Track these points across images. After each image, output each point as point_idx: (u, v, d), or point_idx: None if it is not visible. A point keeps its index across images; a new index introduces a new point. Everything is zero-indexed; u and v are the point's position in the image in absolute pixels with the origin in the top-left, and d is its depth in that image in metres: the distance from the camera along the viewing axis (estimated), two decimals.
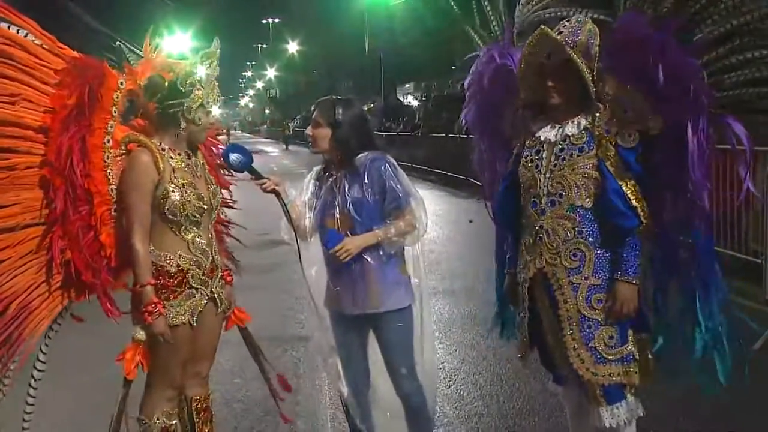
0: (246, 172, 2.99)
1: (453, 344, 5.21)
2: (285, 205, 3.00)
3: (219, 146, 3.20)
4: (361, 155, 2.95)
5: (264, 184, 2.99)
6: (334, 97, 3.08)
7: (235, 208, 3.37)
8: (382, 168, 2.92)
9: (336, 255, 2.87)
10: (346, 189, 2.94)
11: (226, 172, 3.18)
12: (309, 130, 3.04)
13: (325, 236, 2.94)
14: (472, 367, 4.73)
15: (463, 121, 3.26)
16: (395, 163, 2.99)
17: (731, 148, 2.56)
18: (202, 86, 2.70)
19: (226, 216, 3.30)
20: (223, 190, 3.10)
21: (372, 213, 2.92)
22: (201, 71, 2.71)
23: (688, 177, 2.52)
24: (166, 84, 2.71)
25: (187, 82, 2.68)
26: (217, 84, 2.77)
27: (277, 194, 3.00)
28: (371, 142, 3.06)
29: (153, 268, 2.68)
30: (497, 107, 3.06)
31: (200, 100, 2.70)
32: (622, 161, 2.61)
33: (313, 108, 3.08)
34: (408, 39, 30.81)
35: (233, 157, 2.93)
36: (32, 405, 2.81)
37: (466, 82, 3.21)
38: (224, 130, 3.66)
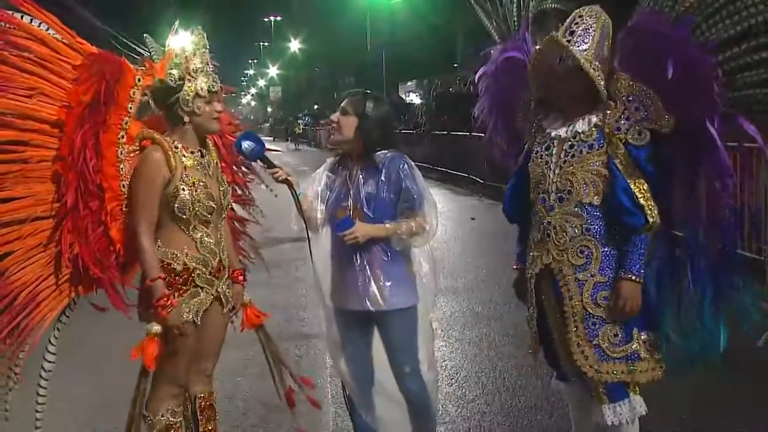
0: (258, 161, 2.97)
1: (455, 342, 5.21)
2: (297, 196, 2.98)
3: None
4: (380, 152, 2.96)
5: (276, 173, 2.95)
6: (366, 91, 3.09)
7: (252, 205, 3.36)
8: (401, 167, 2.92)
9: (343, 238, 2.86)
10: (362, 183, 2.94)
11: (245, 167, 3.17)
12: (335, 117, 3.02)
13: (336, 222, 2.92)
14: (475, 364, 4.73)
15: (478, 114, 3.26)
16: (413, 164, 2.99)
17: (740, 147, 2.57)
18: (192, 76, 2.69)
19: (248, 212, 3.30)
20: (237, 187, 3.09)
21: (384, 210, 2.92)
22: (191, 62, 2.69)
23: (712, 175, 2.52)
24: (162, 85, 2.72)
25: (177, 76, 2.68)
26: (211, 71, 2.75)
27: (290, 184, 2.97)
28: (392, 141, 3.07)
29: (159, 265, 2.68)
30: (510, 100, 3.07)
31: (193, 90, 2.69)
32: (632, 160, 2.61)
33: (343, 96, 3.09)
34: (410, 36, 30.76)
35: (245, 144, 2.89)
36: (44, 396, 2.82)
37: (478, 75, 3.21)
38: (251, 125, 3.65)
